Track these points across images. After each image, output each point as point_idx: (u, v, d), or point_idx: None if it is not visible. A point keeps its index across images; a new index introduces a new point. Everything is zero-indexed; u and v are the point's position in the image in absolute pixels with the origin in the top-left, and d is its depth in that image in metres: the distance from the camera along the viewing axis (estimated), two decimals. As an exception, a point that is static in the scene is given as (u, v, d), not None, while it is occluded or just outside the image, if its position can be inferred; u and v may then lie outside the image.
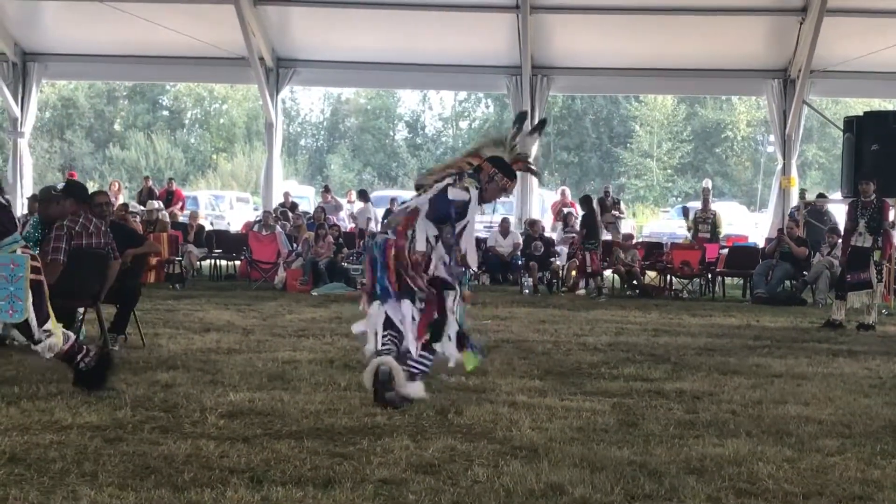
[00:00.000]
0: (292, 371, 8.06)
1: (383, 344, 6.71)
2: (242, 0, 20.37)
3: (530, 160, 7.24)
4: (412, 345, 6.73)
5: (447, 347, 6.88)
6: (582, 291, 17.54)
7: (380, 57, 22.21)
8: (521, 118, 7.46)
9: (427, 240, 6.67)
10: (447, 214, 6.66)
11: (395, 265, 6.68)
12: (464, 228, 6.81)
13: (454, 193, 6.67)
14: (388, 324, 6.75)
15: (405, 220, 6.73)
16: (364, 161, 57.24)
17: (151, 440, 5.65)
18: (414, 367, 6.74)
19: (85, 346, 7.13)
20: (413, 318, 6.74)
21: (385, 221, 7.41)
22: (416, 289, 6.70)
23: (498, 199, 7.19)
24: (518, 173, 7.14)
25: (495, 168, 6.89)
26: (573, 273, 18.13)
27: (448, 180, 6.76)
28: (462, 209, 6.70)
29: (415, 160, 55.44)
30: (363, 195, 23.60)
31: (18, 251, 6.68)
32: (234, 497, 4.62)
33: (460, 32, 21.21)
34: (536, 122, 7.68)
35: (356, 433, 5.89)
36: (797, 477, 5.19)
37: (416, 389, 6.69)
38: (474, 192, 6.72)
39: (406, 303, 6.74)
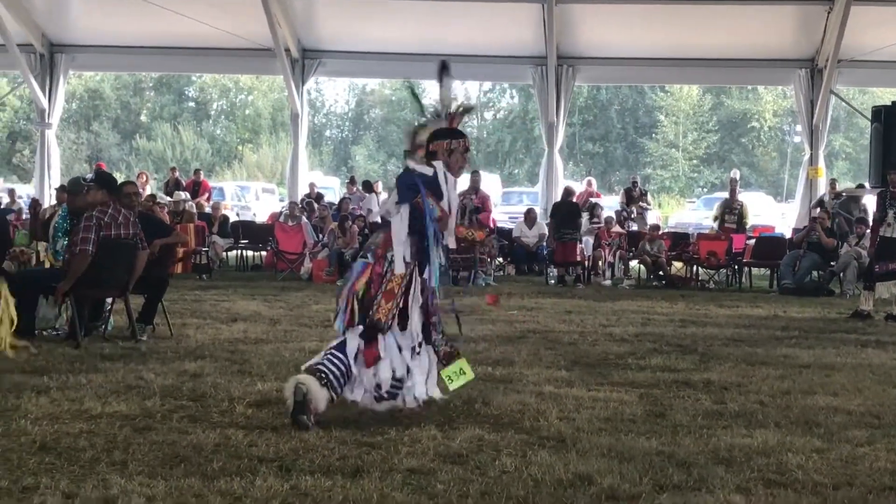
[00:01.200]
0: (319, 361, 8.05)
1: (319, 363, 6.02)
2: (268, -9, 20.44)
3: (459, 107, 6.50)
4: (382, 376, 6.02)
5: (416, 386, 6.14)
6: (608, 282, 17.55)
7: (405, 47, 22.20)
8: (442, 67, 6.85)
9: (405, 259, 6.05)
10: (414, 185, 6.08)
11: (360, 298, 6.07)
12: (450, 207, 6.24)
13: (415, 166, 6.19)
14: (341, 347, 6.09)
15: (383, 241, 6.19)
16: (389, 152, 57.25)
17: (180, 429, 5.68)
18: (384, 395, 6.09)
19: None
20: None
21: (366, 243, 6.72)
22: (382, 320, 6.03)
23: (464, 166, 6.40)
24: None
25: (445, 140, 6.29)
26: (599, 262, 18.21)
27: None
28: (431, 184, 6.12)
29: (440, 151, 55.29)
30: (367, 186, 23.59)
31: None
32: (263, 486, 4.64)
33: (486, 23, 21.19)
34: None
35: (384, 423, 5.90)
36: (826, 467, 5.17)
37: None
38: (438, 165, 6.19)
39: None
